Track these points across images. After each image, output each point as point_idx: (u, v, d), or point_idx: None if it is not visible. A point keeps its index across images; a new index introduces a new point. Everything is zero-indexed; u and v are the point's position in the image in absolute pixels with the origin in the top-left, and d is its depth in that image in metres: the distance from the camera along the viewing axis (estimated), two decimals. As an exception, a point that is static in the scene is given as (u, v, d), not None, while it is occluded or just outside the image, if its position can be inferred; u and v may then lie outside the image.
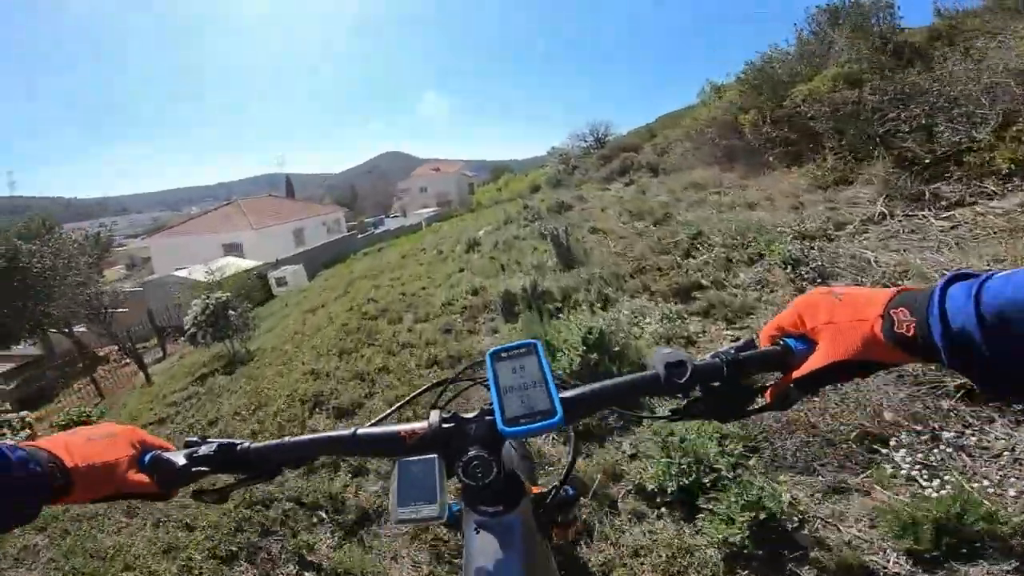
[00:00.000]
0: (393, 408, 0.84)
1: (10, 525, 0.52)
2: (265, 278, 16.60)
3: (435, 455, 0.58)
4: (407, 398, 0.84)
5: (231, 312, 6.68)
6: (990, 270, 0.40)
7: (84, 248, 16.88)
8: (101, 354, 13.52)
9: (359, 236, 30.00)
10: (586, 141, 25.10)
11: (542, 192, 21.32)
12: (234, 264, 16.90)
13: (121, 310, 17.01)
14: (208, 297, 6.61)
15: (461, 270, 7.47)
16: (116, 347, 10.80)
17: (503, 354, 0.62)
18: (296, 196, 65.17)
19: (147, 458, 0.62)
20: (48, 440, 0.57)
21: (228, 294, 6.88)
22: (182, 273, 16.49)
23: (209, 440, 0.64)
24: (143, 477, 0.61)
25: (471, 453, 0.56)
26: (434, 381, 0.88)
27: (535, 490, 0.84)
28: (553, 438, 2.58)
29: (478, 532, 0.58)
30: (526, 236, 9.27)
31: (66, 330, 12.98)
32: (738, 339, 0.64)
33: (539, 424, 0.53)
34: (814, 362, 0.52)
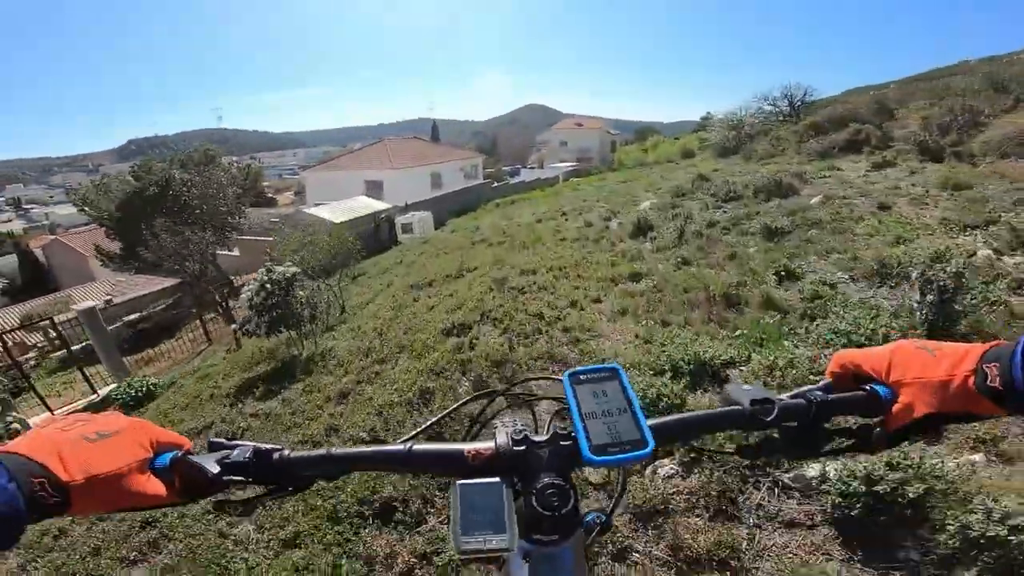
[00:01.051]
0: (437, 417, 0.73)
1: None
2: (392, 222, 15.39)
3: (503, 479, 0.50)
4: (451, 408, 0.74)
5: (297, 294, 4.71)
6: None
7: (235, 179, 17.18)
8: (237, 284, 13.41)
9: (493, 185, 28.10)
10: (775, 106, 19.55)
11: (702, 160, 17.37)
12: (365, 204, 15.95)
13: (267, 239, 17.34)
14: (270, 271, 4.66)
15: (637, 277, 4.55)
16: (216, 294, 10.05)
17: (582, 376, 0.56)
18: (442, 140, 66.35)
19: (166, 460, 0.50)
20: (34, 441, 0.43)
21: (295, 270, 4.86)
22: (314, 210, 15.97)
23: (240, 443, 0.54)
24: (158, 486, 0.49)
25: (546, 480, 0.50)
26: (484, 391, 0.77)
27: None
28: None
29: (528, 561, 0.51)
30: (728, 225, 5.97)
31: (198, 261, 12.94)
32: (819, 378, 0.61)
33: (630, 455, 0.48)
34: (905, 415, 0.52)
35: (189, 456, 0.50)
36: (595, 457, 0.48)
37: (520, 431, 0.55)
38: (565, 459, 0.52)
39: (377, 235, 14.76)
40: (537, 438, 0.54)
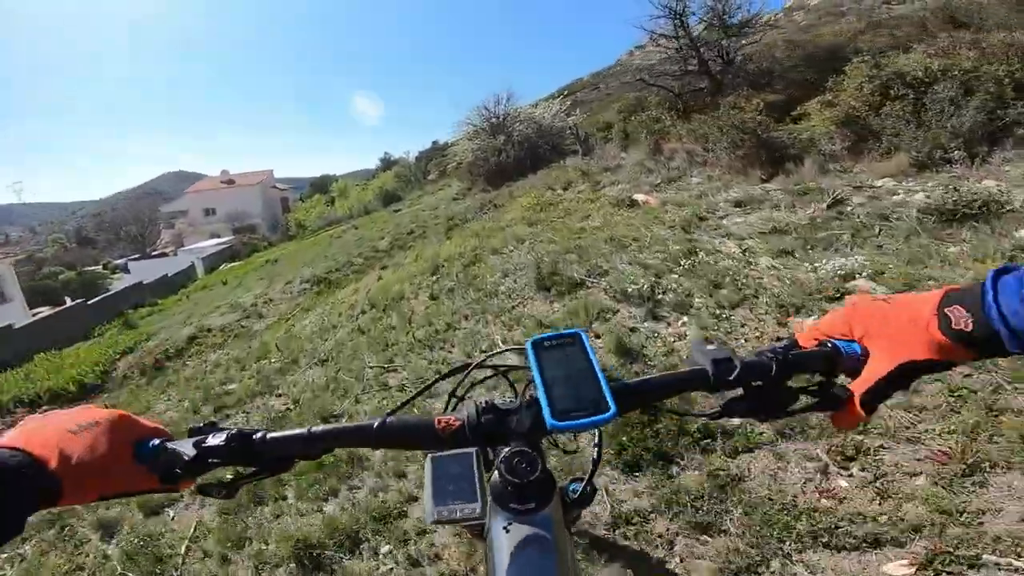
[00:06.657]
0: (414, 396, 0.75)
1: None
2: None
3: (473, 449, 0.52)
4: (428, 384, 0.76)
5: None
6: None
7: None
8: None
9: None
10: (474, 124, 14.72)
11: (441, 194, 11.29)
12: None
13: None
14: None
15: None
16: None
17: (546, 343, 0.55)
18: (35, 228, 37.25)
19: (147, 448, 0.51)
20: (20, 435, 0.45)
21: None
22: None
23: (220, 428, 0.55)
24: (144, 473, 0.50)
25: (513, 448, 0.50)
26: (455, 366, 0.78)
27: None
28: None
29: (507, 531, 0.51)
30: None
31: None
32: (781, 339, 0.60)
33: (592, 418, 0.47)
34: (879, 369, 0.49)
35: (168, 443, 0.51)
36: (558, 423, 0.47)
37: (488, 401, 0.55)
38: (532, 426, 0.52)
39: None
40: (504, 407, 0.54)
